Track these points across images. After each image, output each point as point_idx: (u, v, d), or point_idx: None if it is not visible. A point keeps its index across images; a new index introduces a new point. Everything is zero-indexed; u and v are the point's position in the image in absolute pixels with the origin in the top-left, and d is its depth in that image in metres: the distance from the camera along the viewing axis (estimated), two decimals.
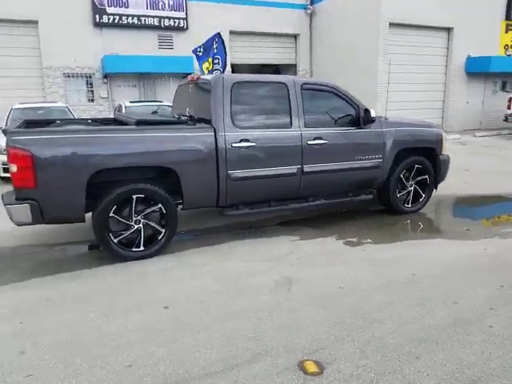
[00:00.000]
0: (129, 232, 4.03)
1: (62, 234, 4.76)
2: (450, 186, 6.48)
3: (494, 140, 13.37)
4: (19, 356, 2.57)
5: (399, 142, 5.28)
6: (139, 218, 4.05)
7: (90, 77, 13.43)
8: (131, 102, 10.11)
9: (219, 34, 8.41)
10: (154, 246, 4.14)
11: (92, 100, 13.63)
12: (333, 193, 5.18)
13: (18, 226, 3.83)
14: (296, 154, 4.64)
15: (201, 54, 8.55)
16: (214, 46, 8.30)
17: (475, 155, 10.46)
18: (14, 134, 3.53)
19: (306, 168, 4.70)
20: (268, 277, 3.65)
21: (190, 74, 14.34)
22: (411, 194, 5.63)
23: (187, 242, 4.57)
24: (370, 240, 4.60)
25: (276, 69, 17.25)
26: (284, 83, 4.68)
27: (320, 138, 4.74)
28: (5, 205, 3.63)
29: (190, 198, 4.22)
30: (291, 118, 4.65)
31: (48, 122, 4.88)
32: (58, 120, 4.97)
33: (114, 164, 3.82)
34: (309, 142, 4.67)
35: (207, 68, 8.05)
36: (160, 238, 4.16)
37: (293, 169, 4.65)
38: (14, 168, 3.52)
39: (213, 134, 4.22)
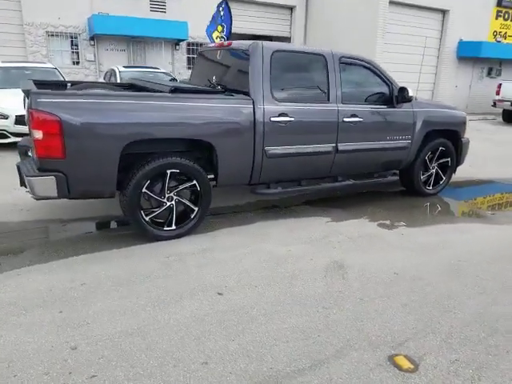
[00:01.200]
0: (160, 210, 3.69)
1: (71, 208, 4.34)
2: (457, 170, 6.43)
3: (483, 124, 13.55)
4: (72, 352, 2.25)
5: (428, 123, 5.12)
6: (172, 194, 3.71)
7: (76, 37, 12.49)
8: (125, 66, 9.43)
9: (226, 1, 7.94)
10: (186, 224, 3.82)
11: (77, 63, 12.72)
12: (360, 173, 5.00)
13: (37, 199, 3.41)
14: (332, 131, 4.38)
15: (208, 23, 8.05)
16: (221, 14, 7.83)
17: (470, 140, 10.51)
18: (40, 96, 3.07)
19: (341, 146, 4.46)
20: (316, 261, 3.43)
21: (183, 40, 13.68)
22: (433, 176, 5.53)
23: (214, 221, 4.27)
24: (403, 223, 4.46)
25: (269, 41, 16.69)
26: (322, 55, 4.37)
27: (355, 116, 4.50)
28: (26, 176, 3.19)
29: (224, 174, 3.89)
30: (329, 92, 4.37)
31: (58, 85, 4.38)
32: (68, 82, 4.48)
33: (150, 134, 3.43)
34: (345, 120, 4.42)
35: (218, 37, 7.59)
36: (193, 216, 3.85)
37: (328, 147, 4.39)
38: (38, 135, 3.09)
39: (252, 106, 3.88)
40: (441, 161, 5.49)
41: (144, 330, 2.45)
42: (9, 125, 6.78)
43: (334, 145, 4.42)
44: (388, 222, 4.46)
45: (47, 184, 3.17)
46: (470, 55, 15.26)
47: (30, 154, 3.82)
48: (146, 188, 3.56)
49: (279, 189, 4.33)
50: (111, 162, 3.31)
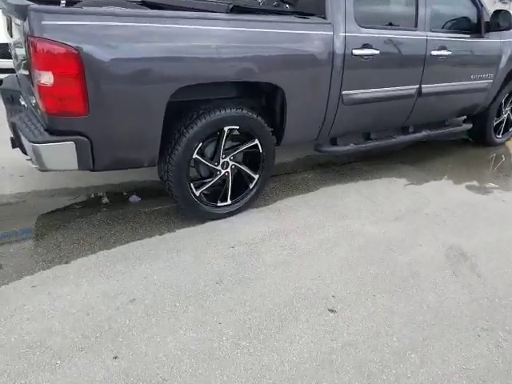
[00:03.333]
0: (214, 180, 2.73)
1: (68, 174, 3.30)
2: None
3: None
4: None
5: None
6: (227, 159, 2.74)
7: None
8: None
9: None
10: (243, 197, 2.90)
11: None
12: (434, 121, 4.08)
13: (42, 171, 2.37)
14: (417, 70, 3.39)
15: None
16: None
17: None
18: (45, 16, 1.92)
19: (424, 89, 3.50)
20: (427, 248, 2.62)
21: None
22: (504, 122, 4.69)
23: (267, 187, 3.34)
24: (492, 184, 3.66)
25: None
26: None
27: (444, 48, 3.49)
28: (30, 142, 2.13)
29: (292, 128, 2.90)
30: (417, 14, 3.30)
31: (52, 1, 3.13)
32: None
33: (207, 77, 2.38)
34: (432, 53, 3.41)
35: None
36: (252, 186, 2.91)
37: (411, 89, 3.42)
38: (45, 78, 1.99)
39: (331, 33, 2.82)
40: None
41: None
42: None
43: (417, 86, 3.45)
44: (476, 184, 3.65)
45: (63, 153, 2.13)
46: None
47: (22, 102, 2.69)
48: (198, 153, 2.56)
49: (351, 145, 3.39)
50: (155, 117, 2.27)
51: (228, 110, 2.55)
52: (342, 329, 1.93)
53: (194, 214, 2.76)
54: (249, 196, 2.91)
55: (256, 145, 2.79)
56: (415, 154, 4.27)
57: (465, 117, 4.43)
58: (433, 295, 2.20)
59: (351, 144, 3.38)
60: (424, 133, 3.89)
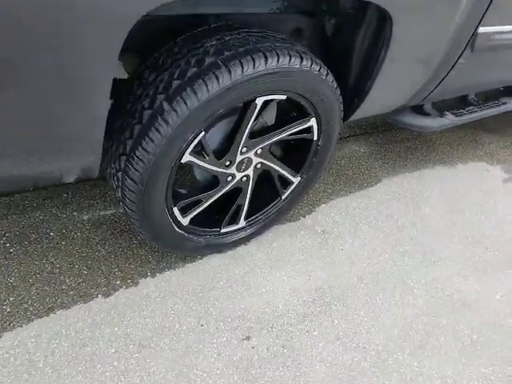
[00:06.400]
0: (219, 193, 1.39)
1: None
2: None
3: None
4: None
5: None
6: (251, 154, 1.36)
7: None
8: None
9: None
10: (267, 214, 1.58)
11: None
12: None
13: None
14: None
15: None
16: None
17: None
18: None
19: None
20: None
21: None
22: None
23: None
24: None
25: None
26: None
27: None
28: None
29: (384, 88, 1.51)
30: None
31: None
32: None
33: None
34: None
35: None
36: (285, 196, 1.58)
37: None
38: None
39: None
40: None
41: None
42: None
43: None
44: None
45: None
46: None
47: None
48: (193, 152, 1.18)
49: (449, 116, 2.00)
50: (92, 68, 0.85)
51: (274, 59, 1.10)
52: None
53: (176, 252, 1.47)
54: (277, 209, 1.60)
55: (309, 128, 1.41)
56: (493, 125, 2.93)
57: None
58: None
59: (448, 114, 2.01)
60: None
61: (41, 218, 1.55)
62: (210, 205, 1.39)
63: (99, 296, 1.35)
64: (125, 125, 1.11)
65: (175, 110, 1.04)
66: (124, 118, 1.12)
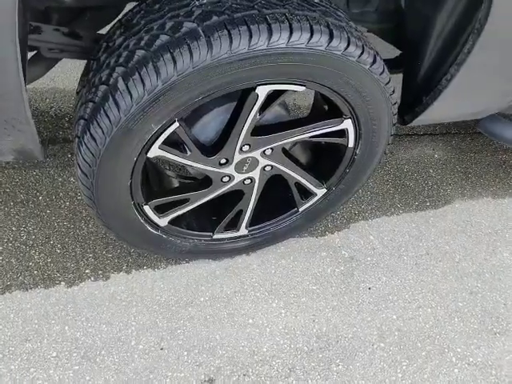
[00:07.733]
0: (211, 195, 1.10)
1: None
2: None
3: None
4: None
5: None
6: (258, 154, 1.03)
7: None
8: None
9: None
10: (278, 225, 1.27)
11: None
12: None
13: None
14: None
15: None
16: None
17: None
18: None
19: None
20: None
21: None
22: None
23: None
24: None
25: None
26: None
27: None
28: None
29: (472, 81, 1.06)
30: None
31: None
32: None
33: None
34: None
35: None
36: (304, 208, 1.25)
37: None
38: None
39: None
40: None
41: None
42: None
43: None
44: None
45: None
46: None
47: None
48: (163, 143, 0.89)
49: None
50: None
51: (283, 33, 0.75)
52: None
53: (158, 254, 1.24)
54: (290, 222, 1.27)
55: (342, 131, 1.03)
56: None
57: None
58: None
59: None
60: None
61: (36, 177, 1.42)
62: (203, 206, 1.12)
63: (62, 284, 1.19)
64: (83, 100, 0.86)
65: (129, 93, 0.75)
66: (85, 91, 0.86)
